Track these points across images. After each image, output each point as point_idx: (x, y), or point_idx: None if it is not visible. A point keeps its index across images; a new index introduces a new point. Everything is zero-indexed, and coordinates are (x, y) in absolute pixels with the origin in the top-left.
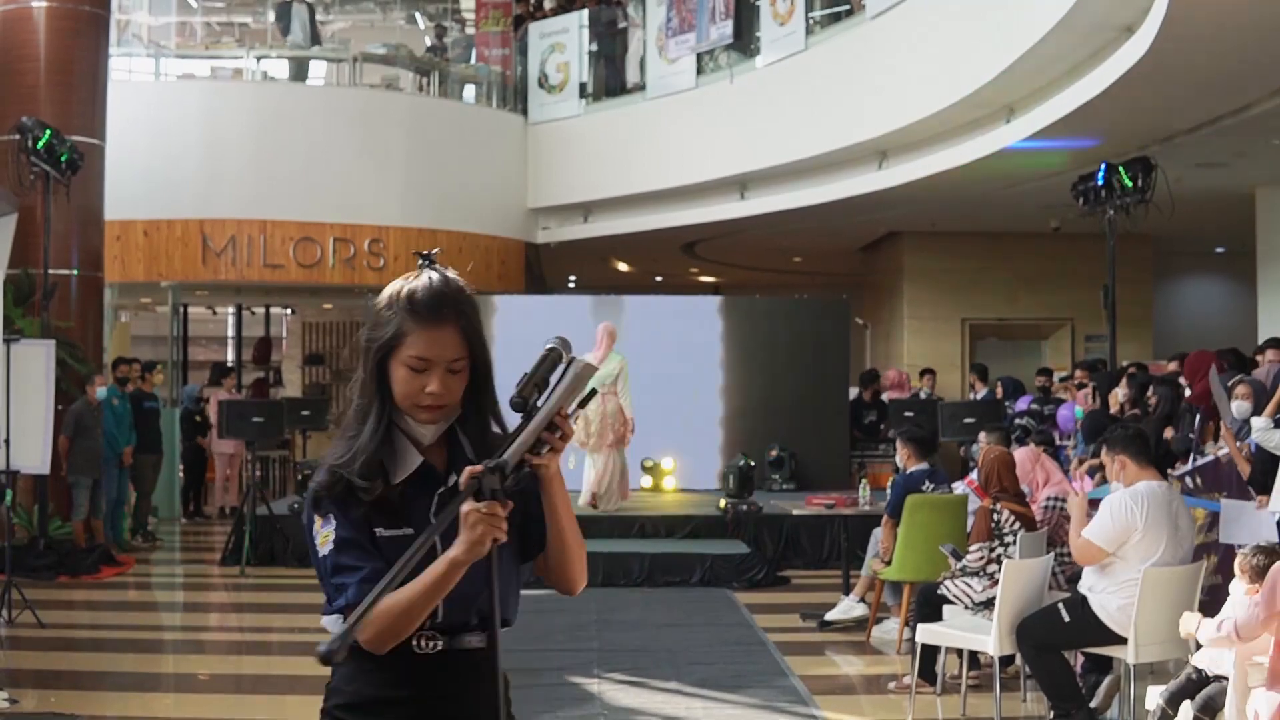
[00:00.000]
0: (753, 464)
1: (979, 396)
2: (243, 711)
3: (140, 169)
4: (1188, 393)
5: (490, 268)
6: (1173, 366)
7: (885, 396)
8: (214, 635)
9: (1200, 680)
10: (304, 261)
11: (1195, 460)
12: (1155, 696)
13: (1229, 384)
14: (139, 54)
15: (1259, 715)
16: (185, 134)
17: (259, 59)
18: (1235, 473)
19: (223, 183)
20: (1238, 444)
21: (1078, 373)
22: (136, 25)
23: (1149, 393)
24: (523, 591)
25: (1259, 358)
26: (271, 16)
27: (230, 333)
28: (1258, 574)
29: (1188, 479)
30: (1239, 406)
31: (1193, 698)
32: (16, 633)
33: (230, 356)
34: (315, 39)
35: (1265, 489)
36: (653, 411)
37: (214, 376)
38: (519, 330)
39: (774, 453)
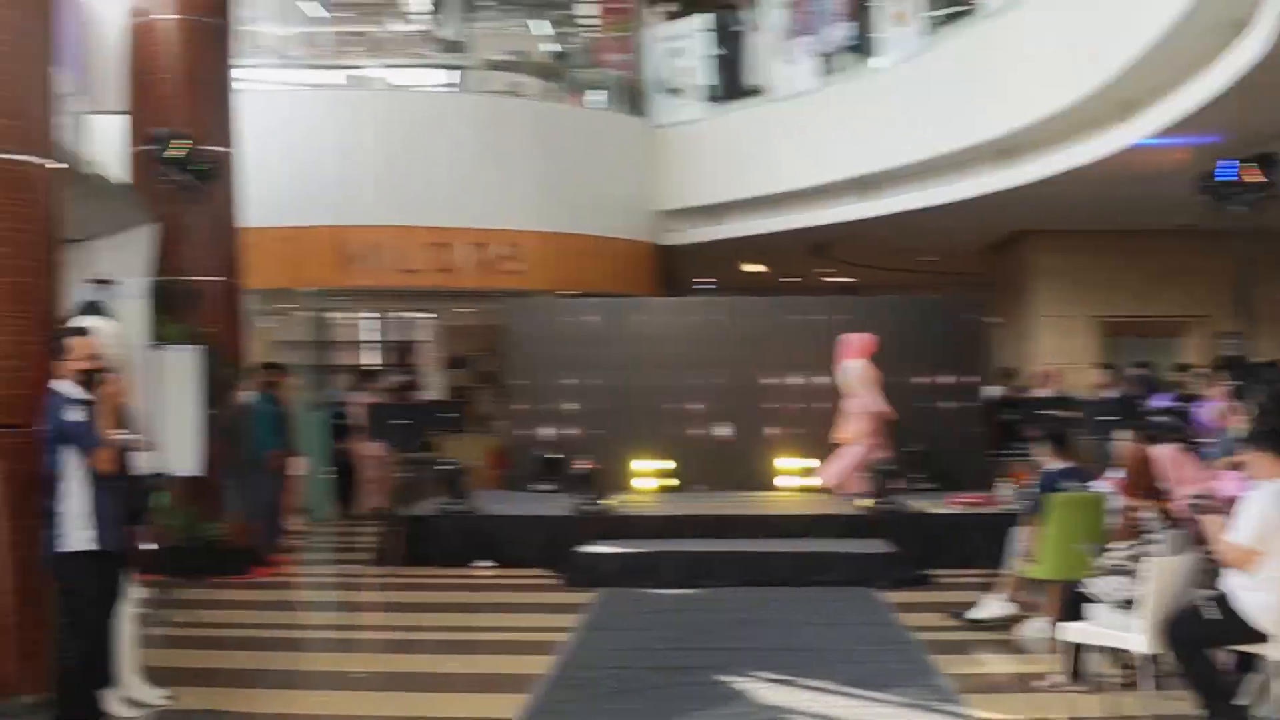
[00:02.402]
0: (892, 465)
1: (1114, 394)
2: (393, 708)
3: (277, 178)
4: None
5: (621, 270)
6: None
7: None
8: (366, 634)
9: None
10: (439, 266)
11: None
12: None
13: None
14: (269, 64)
15: None
16: (320, 142)
17: (388, 67)
18: None
19: (357, 190)
20: None
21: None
22: (265, 36)
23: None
24: (668, 591)
25: None
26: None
27: (372, 337)
28: None
29: None
30: None
31: None
32: (173, 632)
33: (373, 360)
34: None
35: None
36: (792, 411)
37: (358, 380)
38: (657, 329)
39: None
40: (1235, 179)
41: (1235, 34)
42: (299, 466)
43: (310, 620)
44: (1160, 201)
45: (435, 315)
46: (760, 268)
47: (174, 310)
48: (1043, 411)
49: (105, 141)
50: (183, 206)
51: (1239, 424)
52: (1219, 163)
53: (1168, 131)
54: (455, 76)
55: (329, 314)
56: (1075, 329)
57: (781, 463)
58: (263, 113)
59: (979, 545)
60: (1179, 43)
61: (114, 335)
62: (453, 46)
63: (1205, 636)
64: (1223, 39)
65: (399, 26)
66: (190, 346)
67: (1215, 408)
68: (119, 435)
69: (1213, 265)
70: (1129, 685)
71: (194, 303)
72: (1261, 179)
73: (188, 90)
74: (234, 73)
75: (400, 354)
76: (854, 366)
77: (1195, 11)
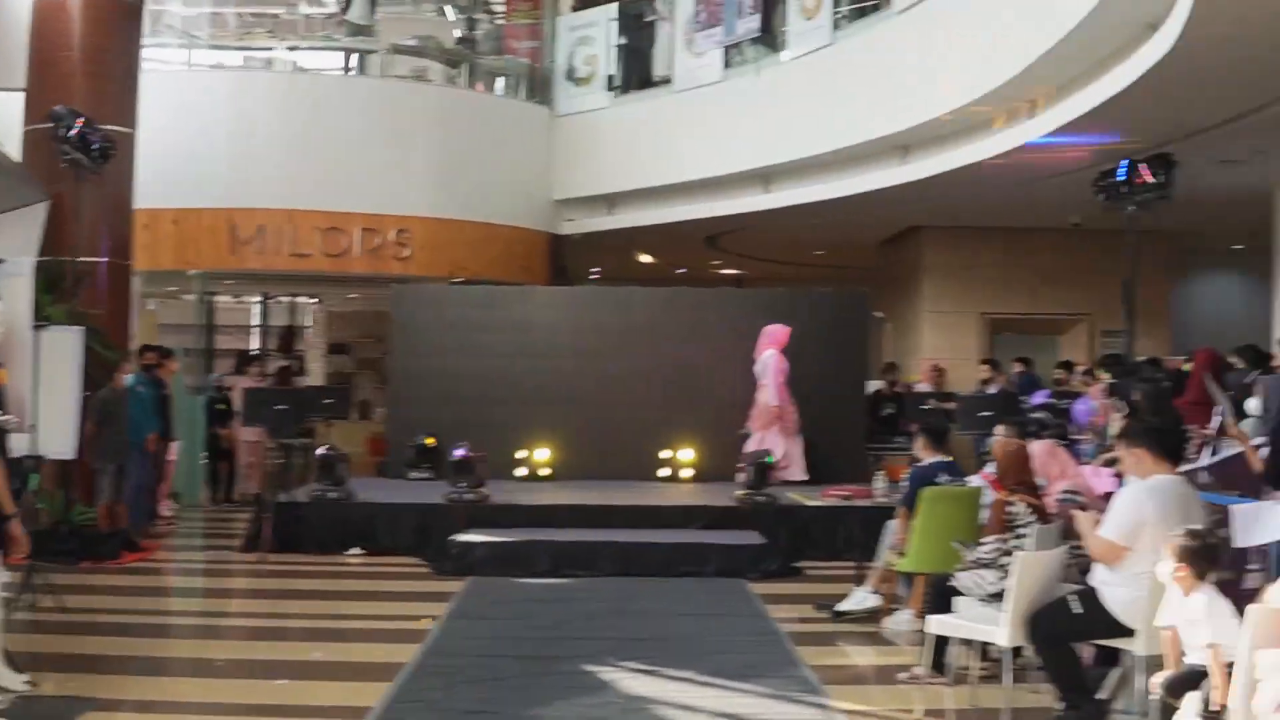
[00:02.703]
0: (771, 457)
1: (993, 390)
2: (260, 696)
3: (169, 158)
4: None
5: (514, 258)
6: (1185, 364)
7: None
8: (233, 621)
9: (1200, 672)
10: (330, 251)
11: (1211, 456)
12: (1154, 685)
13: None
14: (172, 44)
15: (1264, 709)
16: (216, 123)
17: (290, 49)
18: (1248, 470)
19: (251, 172)
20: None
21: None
22: (170, 16)
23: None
24: (540, 580)
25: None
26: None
27: (255, 322)
28: (1183, 554)
29: (1202, 475)
30: (1253, 404)
31: (1195, 687)
32: (39, 617)
33: (255, 345)
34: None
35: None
36: (673, 402)
37: (239, 365)
38: (544, 319)
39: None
40: (1131, 179)
41: (1135, 35)
42: (175, 451)
43: (179, 607)
44: (1052, 200)
45: (320, 300)
46: (651, 259)
47: (59, 290)
48: (922, 406)
49: (3, 118)
50: (76, 186)
51: (1115, 421)
52: (1121, 162)
53: (1065, 130)
54: (359, 60)
55: (216, 297)
56: (961, 325)
57: (662, 453)
58: (158, 93)
59: (852, 538)
60: (1080, 43)
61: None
62: (358, 30)
63: (1070, 631)
64: (1121, 41)
65: (307, 9)
66: (73, 327)
67: (1093, 405)
68: None
69: (1098, 265)
70: (991, 678)
71: (80, 283)
72: (1157, 179)
73: (91, 69)
74: (141, 52)
75: (283, 339)
76: (768, 357)
77: (1098, 12)
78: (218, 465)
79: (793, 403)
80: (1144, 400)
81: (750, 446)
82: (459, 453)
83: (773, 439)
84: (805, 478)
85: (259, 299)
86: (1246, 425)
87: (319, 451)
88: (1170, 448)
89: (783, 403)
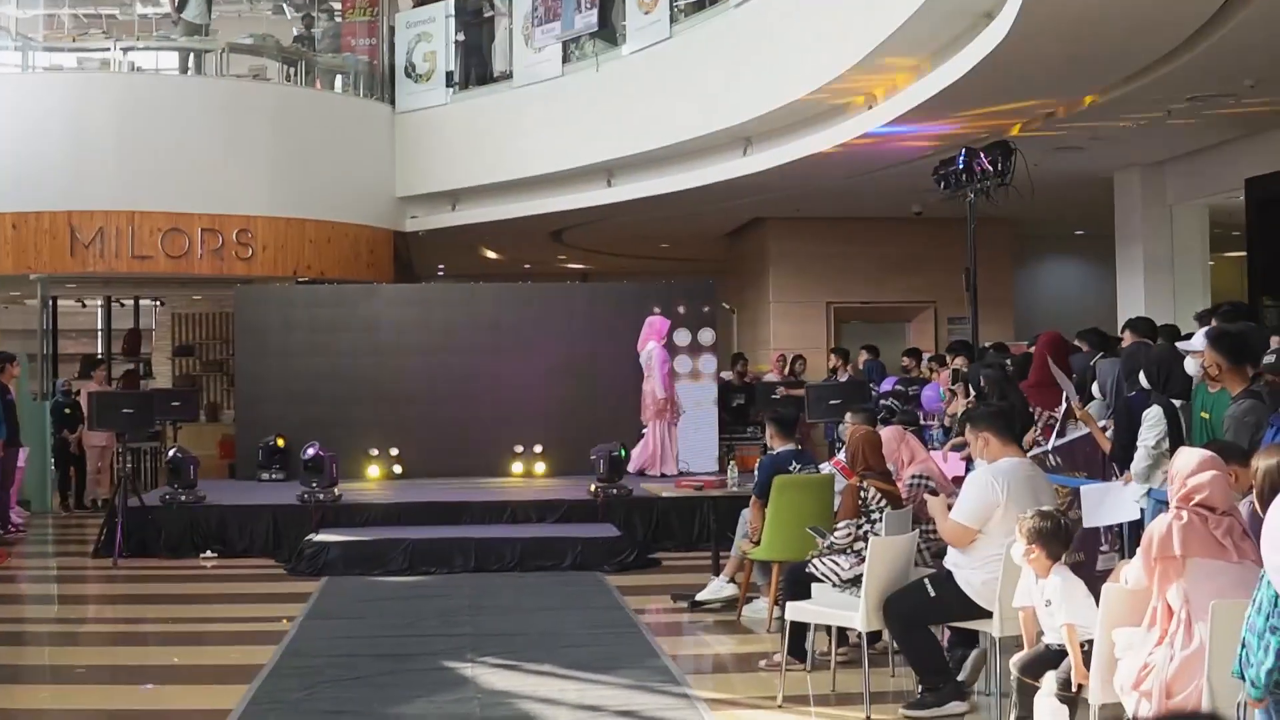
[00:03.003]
0: (624, 449)
1: (842, 379)
2: (120, 702)
3: (6, 161)
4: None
5: (359, 256)
6: (1029, 348)
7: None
8: (89, 627)
9: (1055, 651)
10: (172, 253)
11: (1056, 439)
12: (1010, 666)
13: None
14: (6, 47)
15: (1124, 685)
16: (52, 125)
17: (126, 50)
18: (1094, 451)
19: (90, 174)
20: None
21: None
22: (3, 17)
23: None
24: (396, 578)
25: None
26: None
27: (100, 325)
28: (1035, 536)
29: (1050, 457)
30: (1096, 387)
31: (1051, 667)
32: None
33: (100, 349)
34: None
35: (1128, 462)
36: (524, 397)
37: (84, 369)
38: (391, 317)
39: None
40: (970, 167)
41: (971, 24)
42: (24, 457)
43: (33, 614)
44: (894, 189)
45: (164, 303)
46: (497, 255)
47: None
48: (772, 396)
49: None
50: None
51: (962, 406)
52: (962, 150)
53: (906, 119)
54: (196, 60)
55: (58, 301)
56: (809, 314)
57: (515, 449)
58: None
59: (707, 527)
60: (918, 33)
61: None
62: (195, 29)
63: (926, 614)
64: (960, 30)
65: (142, 9)
66: None
67: (940, 391)
68: None
69: (941, 252)
70: (850, 663)
71: None
72: (995, 167)
73: None
74: None
75: (129, 342)
76: (651, 349)
77: (933, 2)
78: (67, 471)
79: (677, 395)
80: (988, 384)
81: (644, 440)
82: (310, 452)
83: (661, 430)
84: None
85: (102, 302)
86: (1092, 408)
87: (169, 454)
88: (1015, 431)
89: (669, 394)
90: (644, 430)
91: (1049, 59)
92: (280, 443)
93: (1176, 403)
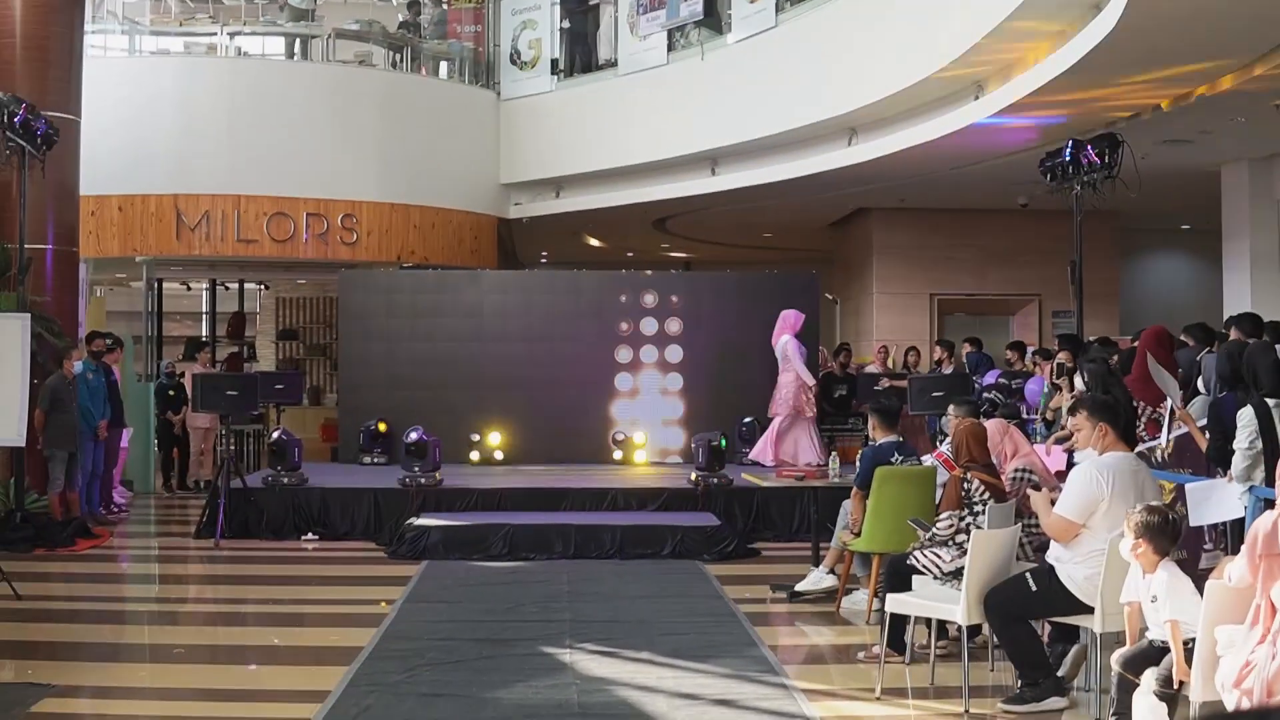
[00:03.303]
0: (725, 438)
1: (946, 371)
2: (217, 681)
3: (116, 145)
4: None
5: (463, 242)
6: (1134, 343)
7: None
8: (189, 607)
9: (1158, 648)
10: (277, 236)
11: (1165, 437)
12: (1112, 662)
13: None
14: (114, 31)
15: (1225, 683)
16: (159, 109)
17: (233, 35)
18: (1196, 449)
19: (196, 158)
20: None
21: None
22: (112, 2)
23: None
24: (496, 563)
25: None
26: None
27: (204, 308)
28: (1143, 530)
29: (1157, 454)
30: (1201, 382)
31: (1153, 663)
32: None
33: (204, 332)
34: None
35: (1224, 462)
36: (627, 385)
37: (188, 351)
38: (494, 303)
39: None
40: (1077, 159)
41: (1080, 16)
42: (127, 438)
43: (134, 593)
44: (1000, 181)
45: (269, 286)
46: (600, 242)
47: (5, 278)
48: (875, 387)
49: None
50: (20, 173)
51: (1066, 401)
52: (1069, 142)
53: (1011, 111)
54: (302, 45)
55: (163, 284)
56: (912, 306)
57: (616, 436)
58: (103, 79)
59: (807, 518)
60: (1025, 24)
61: None
62: (301, 15)
63: (1027, 608)
64: (1068, 21)
65: None
66: (19, 314)
67: (1043, 385)
68: None
69: (1046, 245)
70: (949, 656)
71: (27, 270)
72: (1102, 159)
73: (32, 56)
74: (83, 39)
75: (233, 325)
76: (785, 343)
77: None
78: (170, 452)
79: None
80: (1091, 379)
81: (776, 432)
82: (414, 436)
83: (800, 426)
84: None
85: (207, 285)
86: (1195, 404)
87: (273, 436)
88: (1122, 425)
89: (804, 386)
90: (775, 420)
91: (1157, 48)
92: (382, 427)
93: (1271, 401)
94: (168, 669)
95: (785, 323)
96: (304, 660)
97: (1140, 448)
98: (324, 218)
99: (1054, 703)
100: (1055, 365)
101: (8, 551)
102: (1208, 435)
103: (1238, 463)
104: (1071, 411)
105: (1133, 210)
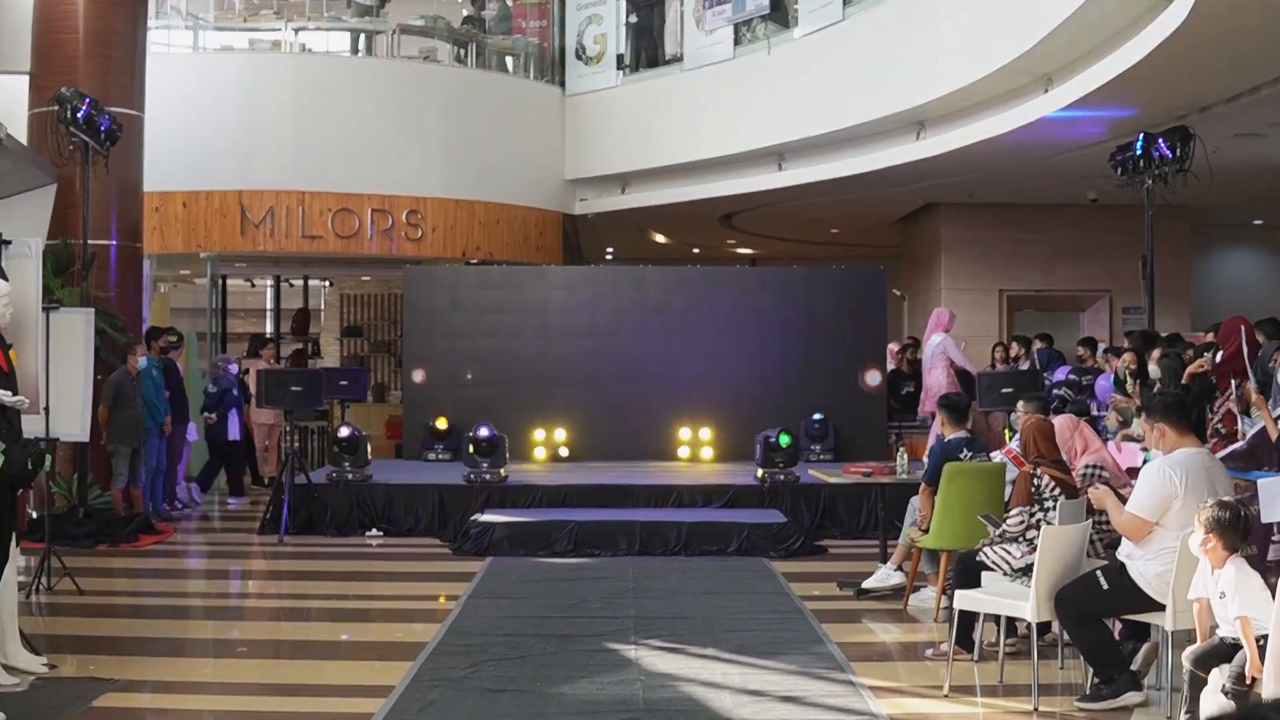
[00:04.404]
0: (790, 436)
1: (1023, 367)
2: (280, 676)
3: (179, 141)
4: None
5: (528, 239)
6: (1209, 338)
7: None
8: (252, 602)
9: (1230, 645)
10: (342, 233)
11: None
12: (1183, 659)
13: (1274, 352)
14: (178, 26)
15: None
16: (224, 106)
17: (297, 31)
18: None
19: (261, 154)
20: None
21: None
22: None
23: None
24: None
25: None
26: None
27: (269, 305)
28: (1214, 525)
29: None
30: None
31: (1225, 661)
32: (56, 600)
33: (269, 328)
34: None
35: None
36: (691, 382)
37: (253, 347)
38: (559, 299)
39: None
40: (1148, 152)
41: (1149, 6)
42: (193, 433)
43: (197, 589)
44: (1070, 176)
45: (333, 283)
46: (666, 238)
47: (69, 273)
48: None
49: (6, 101)
50: (84, 169)
51: (1138, 398)
52: (1140, 135)
53: (1080, 104)
54: (367, 41)
55: (227, 280)
56: (981, 302)
57: (681, 433)
58: (167, 75)
59: (874, 515)
60: (1094, 16)
61: (5, 295)
62: (365, 10)
63: (1098, 606)
64: (1138, 13)
65: None
66: (83, 309)
67: (1115, 381)
68: (4, 397)
69: (1117, 240)
70: (1018, 654)
71: (91, 266)
72: (1174, 153)
73: (95, 52)
74: (146, 34)
75: (297, 322)
76: (937, 340)
77: None
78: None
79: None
80: (1165, 374)
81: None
82: (484, 432)
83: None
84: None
85: (271, 282)
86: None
87: (342, 431)
88: (1192, 420)
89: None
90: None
91: (1228, 43)
92: (441, 423)
93: None
94: (230, 664)
95: (938, 321)
96: (368, 655)
97: (1223, 453)
98: (389, 214)
99: (1131, 698)
100: (1120, 369)
101: (71, 546)
102: None
103: None
104: (1138, 414)
105: (1204, 205)
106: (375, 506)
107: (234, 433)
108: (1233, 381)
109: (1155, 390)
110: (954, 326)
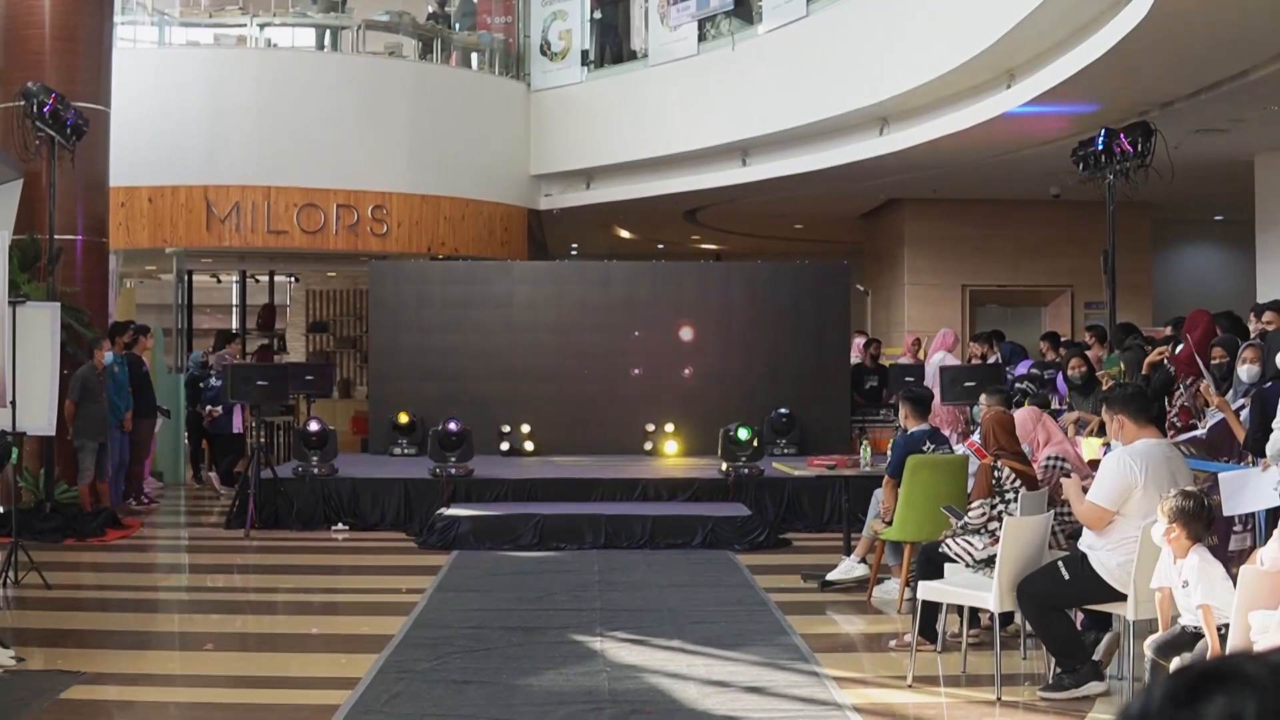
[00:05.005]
0: (750, 430)
1: (990, 360)
2: (247, 669)
3: (145, 136)
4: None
5: (493, 234)
6: (1168, 332)
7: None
8: (219, 596)
9: (1191, 634)
10: (307, 228)
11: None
12: (1145, 649)
13: (1241, 349)
14: (143, 22)
15: None
16: (189, 101)
17: (263, 26)
18: (1230, 439)
19: (226, 149)
20: (1233, 406)
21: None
22: None
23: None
24: (526, 553)
25: (1252, 322)
26: None
27: (235, 300)
28: (1177, 515)
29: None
30: (1248, 370)
31: (1186, 650)
32: (23, 593)
33: (235, 324)
34: None
35: (1261, 451)
36: (656, 376)
37: (219, 342)
38: (524, 295)
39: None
40: (1110, 148)
41: (1112, 4)
42: (156, 428)
43: (164, 582)
44: (1032, 171)
45: (298, 279)
46: (630, 234)
47: (35, 268)
48: (906, 378)
49: None
50: (50, 164)
51: (1100, 389)
52: (1102, 131)
53: (1042, 100)
54: (332, 36)
55: (193, 276)
56: (943, 297)
57: (646, 427)
58: (132, 70)
59: (838, 508)
60: (1056, 12)
61: None
62: (331, 6)
63: (1060, 596)
64: (1099, 9)
65: None
66: (50, 304)
67: (1075, 374)
68: None
69: (1079, 236)
70: (980, 645)
71: (57, 261)
72: (1135, 148)
73: (62, 47)
74: (112, 29)
75: (263, 317)
76: (939, 359)
77: None
78: (200, 443)
79: None
80: (1128, 365)
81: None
82: (452, 427)
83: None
84: None
85: (237, 278)
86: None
87: (312, 425)
88: (1152, 412)
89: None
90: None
91: (1189, 39)
92: (403, 418)
93: None
94: (197, 656)
95: (942, 341)
96: (335, 648)
97: (1182, 439)
98: (354, 209)
99: (1093, 687)
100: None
101: (38, 541)
102: (1246, 424)
103: (1274, 443)
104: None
105: (1166, 201)
106: (341, 500)
107: (237, 425)
108: (1185, 380)
109: (1114, 384)
110: (956, 348)
